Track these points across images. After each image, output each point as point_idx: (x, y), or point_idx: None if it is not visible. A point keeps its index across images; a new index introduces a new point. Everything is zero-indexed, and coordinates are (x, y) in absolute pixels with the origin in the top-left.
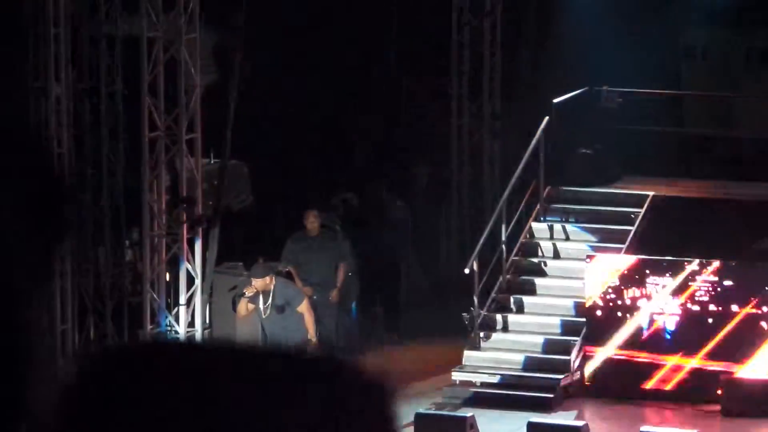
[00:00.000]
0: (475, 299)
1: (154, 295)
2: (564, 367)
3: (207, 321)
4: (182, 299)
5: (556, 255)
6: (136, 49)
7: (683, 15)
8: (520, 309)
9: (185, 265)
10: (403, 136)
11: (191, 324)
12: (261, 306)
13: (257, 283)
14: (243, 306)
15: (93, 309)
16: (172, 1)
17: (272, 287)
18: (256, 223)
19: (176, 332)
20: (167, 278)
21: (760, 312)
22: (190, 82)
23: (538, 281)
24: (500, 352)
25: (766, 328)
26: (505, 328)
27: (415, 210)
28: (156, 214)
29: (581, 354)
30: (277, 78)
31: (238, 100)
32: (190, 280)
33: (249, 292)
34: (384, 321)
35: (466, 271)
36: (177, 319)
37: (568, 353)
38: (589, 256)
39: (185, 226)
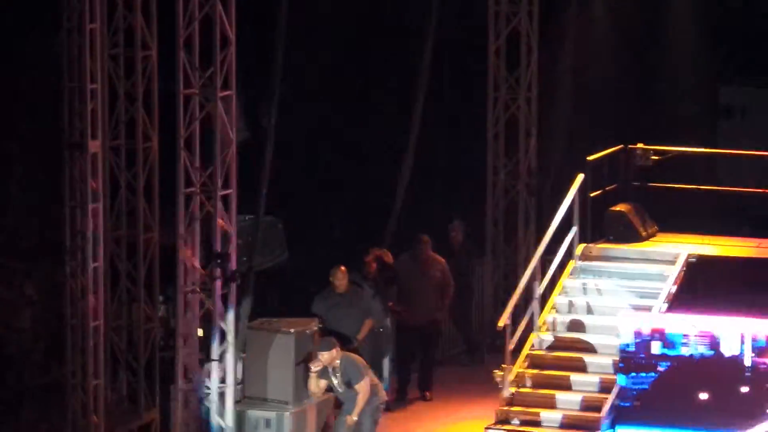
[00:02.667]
0: (508, 356)
1: (187, 351)
2: (597, 425)
3: (239, 377)
4: (214, 355)
5: (590, 311)
6: (172, 105)
7: (721, 73)
8: (552, 366)
9: (218, 321)
10: (440, 192)
11: (223, 380)
12: (335, 381)
13: (324, 356)
14: (314, 383)
15: (126, 365)
16: (208, 59)
17: (338, 361)
18: (291, 279)
19: (208, 388)
20: (200, 334)
21: None
22: (225, 139)
23: (572, 337)
24: (533, 409)
25: None
26: (537, 385)
27: (450, 264)
28: (190, 269)
29: (614, 412)
30: (312, 133)
31: (272, 156)
32: (223, 336)
33: (315, 367)
34: (418, 378)
35: (500, 326)
36: (209, 375)
37: (600, 412)
38: (624, 314)
39: (219, 281)
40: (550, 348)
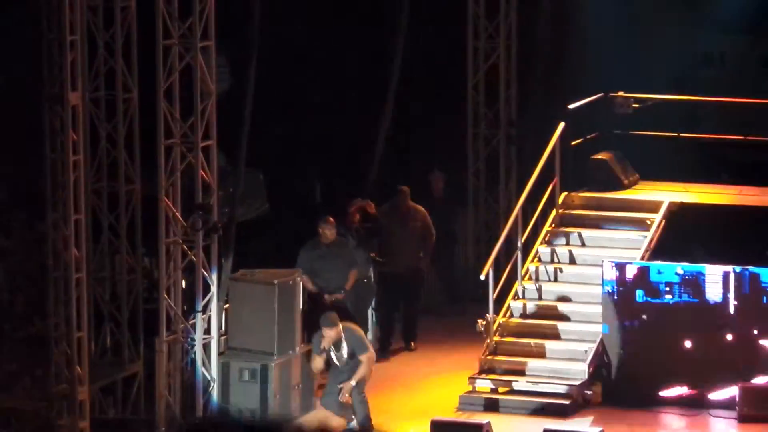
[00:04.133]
0: (491, 306)
1: (170, 303)
2: (581, 374)
3: (222, 328)
4: (198, 306)
5: (572, 261)
6: (151, 57)
7: (701, 22)
8: (535, 315)
9: (201, 272)
10: (420, 143)
11: (207, 331)
12: (334, 354)
13: (330, 332)
14: (319, 362)
15: (109, 316)
16: (187, 10)
17: (342, 335)
18: (271, 230)
19: (192, 339)
20: (183, 285)
21: None
22: (205, 90)
23: (554, 288)
24: (516, 358)
25: None
26: (520, 335)
27: (432, 217)
28: (172, 221)
29: (598, 360)
30: (291, 86)
31: (252, 107)
32: (206, 288)
33: (326, 345)
34: (402, 328)
35: (482, 277)
36: (193, 327)
37: (585, 360)
38: (606, 263)
39: (201, 233)
40: (533, 298)
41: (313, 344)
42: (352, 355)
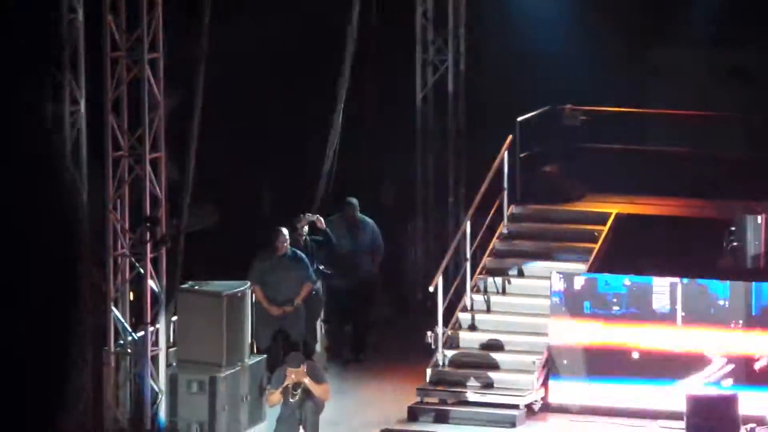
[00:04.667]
0: (440, 318)
1: (118, 315)
2: (529, 385)
3: (171, 340)
4: (146, 318)
5: (520, 273)
6: (99, 68)
7: (649, 34)
8: (484, 327)
9: (149, 285)
10: (369, 155)
11: (155, 343)
12: (291, 391)
13: (295, 372)
14: (277, 397)
15: None
16: (135, 22)
17: (305, 374)
18: (221, 241)
19: (140, 351)
20: (131, 297)
21: (719, 328)
22: (153, 102)
23: (503, 299)
24: (465, 370)
25: (721, 345)
26: (469, 346)
27: (381, 229)
28: (119, 233)
29: (545, 371)
30: (241, 97)
31: (201, 118)
32: (154, 300)
33: (288, 383)
34: (350, 340)
35: (431, 289)
36: (141, 339)
37: (532, 371)
38: (554, 274)
39: (149, 245)
40: (482, 310)
41: (274, 380)
42: (308, 391)
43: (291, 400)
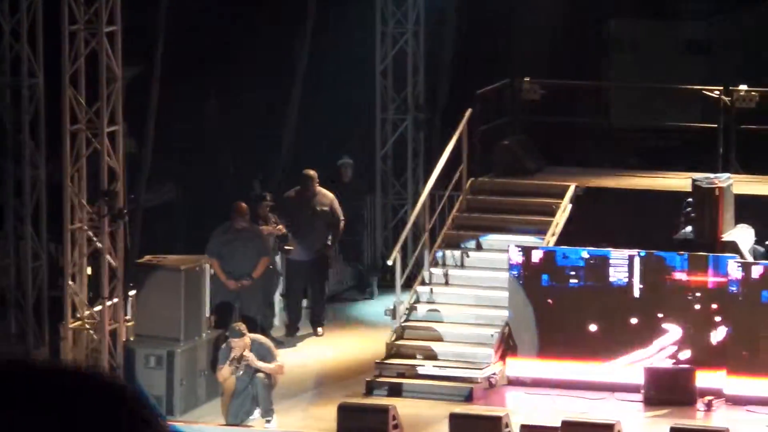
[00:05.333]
0: (398, 291)
1: (75, 289)
2: (487, 358)
3: (128, 314)
4: (104, 292)
5: (479, 246)
6: (57, 42)
7: (609, 7)
8: (442, 300)
9: (106, 259)
10: (328, 128)
11: (113, 318)
12: (241, 365)
13: (239, 343)
14: (227, 371)
15: (14, 303)
16: None
17: (249, 345)
18: (179, 215)
19: (98, 325)
20: (89, 272)
21: (676, 300)
22: (111, 75)
23: (461, 273)
24: (423, 343)
25: (678, 317)
26: (427, 320)
27: (340, 203)
28: (77, 207)
29: (504, 345)
30: (202, 70)
31: (160, 92)
32: (112, 274)
33: (235, 355)
34: (309, 314)
35: (389, 263)
36: (99, 313)
37: (491, 344)
38: (512, 247)
39: (107, 219)
40: (441, 283)
41: (221, 355)
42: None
43: (240, 373)
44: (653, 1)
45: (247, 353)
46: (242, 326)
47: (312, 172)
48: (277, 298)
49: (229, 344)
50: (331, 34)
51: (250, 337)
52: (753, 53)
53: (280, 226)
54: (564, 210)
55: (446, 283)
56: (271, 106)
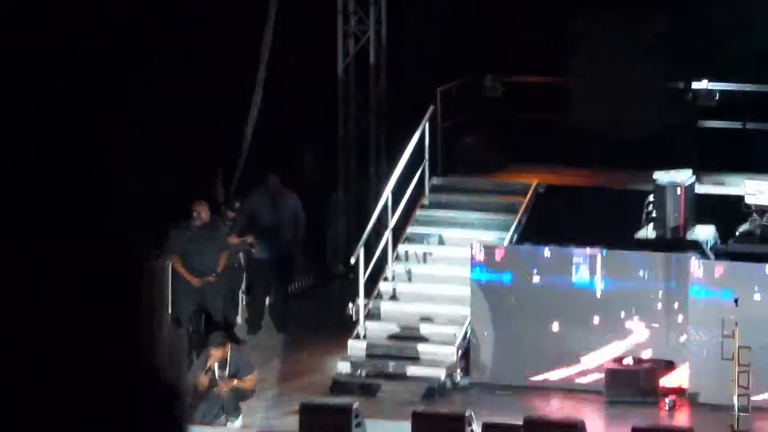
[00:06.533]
0: (361, 289)
1: None
2: (449, 357)
3: None
4: None
5: (441, 243)
6: None
7: (569, 3)
8: (405, 298)
9: None
10: (289, 126)
11: None
12: (217, 373)
13: (216, 352)
14: (204, 380)
15: None
16: None
17: (228, 354)
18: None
19: None
20: None
21: (638, 299)
22: None
23: (424, 270)
24: (386, 341)
25: (641, 316)
26: (390, 318)
27: (302, 200)
28: None
29: (467, 343)
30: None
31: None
32: None
33: (211, 363)
34: (272, 312)
35: (352, 260)
36: None
37: (453, 343)
38: (475, 244)
39: None
40: (404, 280)
41: (198, 362)
42: (236, 375)
43: (218, 380)
44: None
45: (220, 372)
46: (223, 335)
47: (274, 172)
48: (240, 296)
49: (207, 351)
50: (294, 33)
51: (229, 347)
52: (714, 49)
53: (250, 240)
54: (526, 207)
55: (409, 280)
56: (233, 103)
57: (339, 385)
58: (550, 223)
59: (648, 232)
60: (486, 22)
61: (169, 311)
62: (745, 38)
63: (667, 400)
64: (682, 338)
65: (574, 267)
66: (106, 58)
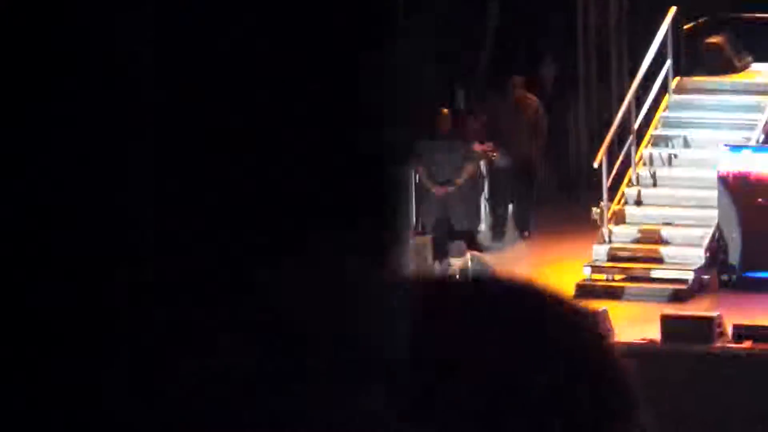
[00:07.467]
0: (604, 193)
1: None
2: (697, 259)
3: None
4: None
5: (686, 145)
6: None
7: None
8: (650, 202)
9: None
10: (529, 34)
11: None
12: None
13: (457, 261)
14: None
15: None
16: None
17: (469, 264)
18: None
19: None
20: None
21: None
22: None
23: (669, 173)
24: (631, 245)
25: None
26: (635, 222)
27: (543, 106)
28: None
29: (715, 245)
30: None
31: None
32: None
33: (452, 272)
34: (514, 217)
35: (595, 165)
36: None
37: (701, 245)
38: (720, 146)
39: None
40: (648, 184)
41: (440, 270)
42: None
43: None
44: None
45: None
46: (463, 246)
47: (517, 77)
48: (483, 203)
49: (447, 261)
50: None
51: (469, 256)
52: None
53: (491, 148)
54: None
55: (654, 185)
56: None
57: (585, 290)
58: None
59: None
60: None
61: (414, 220)
62: None
63: None
64: None
65: None
66: None
